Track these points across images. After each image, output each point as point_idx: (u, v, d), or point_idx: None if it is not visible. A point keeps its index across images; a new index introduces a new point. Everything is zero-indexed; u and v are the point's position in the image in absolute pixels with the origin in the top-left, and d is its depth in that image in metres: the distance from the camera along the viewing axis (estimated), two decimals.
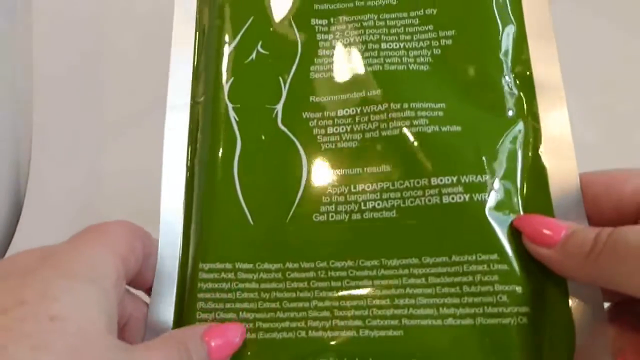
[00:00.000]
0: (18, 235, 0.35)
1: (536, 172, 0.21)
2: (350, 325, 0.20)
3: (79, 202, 0.35)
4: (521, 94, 0.23)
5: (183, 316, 0.21)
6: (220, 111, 0.23)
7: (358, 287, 0.21)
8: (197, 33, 0.25)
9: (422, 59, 0.23)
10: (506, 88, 0.23)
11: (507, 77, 0.23)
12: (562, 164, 0.21)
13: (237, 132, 0.23)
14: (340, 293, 0.21)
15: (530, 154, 0.22)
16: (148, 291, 0.22)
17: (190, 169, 0.23)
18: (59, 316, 0.15)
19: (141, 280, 0.21)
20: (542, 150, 0.22)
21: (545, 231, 0.20)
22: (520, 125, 0.22)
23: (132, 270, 0.20)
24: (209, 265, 0.21)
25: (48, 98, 0.38)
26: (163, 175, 0.23)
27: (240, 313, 0.21)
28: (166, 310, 0.21)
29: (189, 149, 0.23)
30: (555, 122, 0.22)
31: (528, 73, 0.23)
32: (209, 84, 0.24)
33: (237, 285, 0.21)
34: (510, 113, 0.22)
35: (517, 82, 0.23)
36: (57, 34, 0.39)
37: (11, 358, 0.14)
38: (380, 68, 0.23)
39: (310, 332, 0.20)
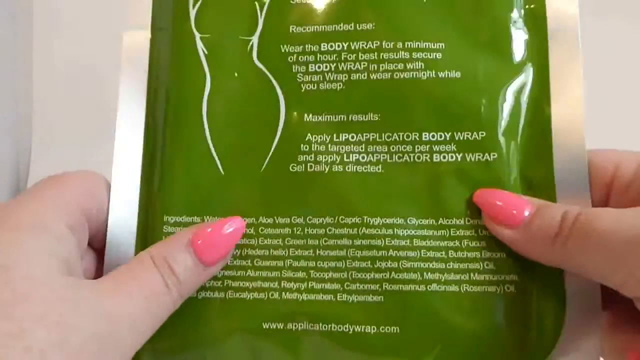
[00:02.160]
0: None
1: (540, 130, 0.19)
2: (327, 289, 0.19)
3: None
4: (531, 35, 0.20)
5: None
6: (187, 41, 0.20)
7: (337, 246, 0.19)
8: None
9: None
10: (515, 26, 0.20)
11: (516, 12, 0.20)
12: (569, 124, 0.19)
13: (207, 68, 0.20)
14: (318, 252, 0.19)
15: (534, 107, 0.19)
16: None
17: (150, 109, 0.20)
18: (3, 265, 0.15)
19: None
20: (549, 105, 0.19)
21: (507, 209, 0.18)
22: (527, 73, 0.20)
23: (95, 218, 0.19)
24: (174, 219, 0.20)
25: (48, 98, 0.38)
26: (118, 115, 0.20)
27: None
28: (123, 261, 0.19)
29: (150, 84, 0.20)
30: (567, 72, 0.19)
31: (542, 10, 0.20)
32: (172, 8, 0.21)
33: None
34: (517, 57, 0.20)
35: (529, 20, 0.20)
36: (57, 34, 0.38)
37: None
38: None
39: (283, 293, 0.19)
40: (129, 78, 0.20)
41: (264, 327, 0.19)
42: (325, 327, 0.19)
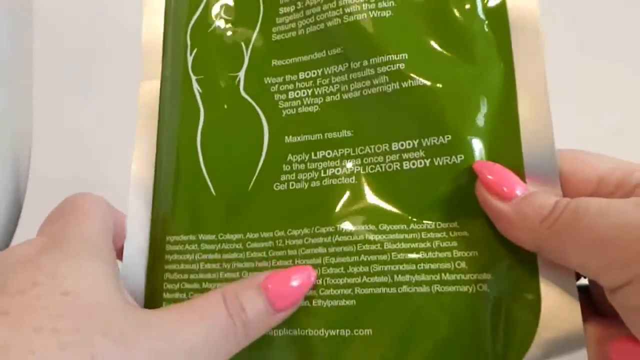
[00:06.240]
0: (18, 235, 0.36)
1: (508, 127, 0.19)
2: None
3: None
4: (493, 34, 0.20)
5: (152, 286, 0.22)
6: (185, 85, 0.23)
7: (313, 255, 0.20)
8: (166, 5, 0.25)
9: (384, 4, 0.21)
10: (476, 28, 0.20)
11: (478, 15, 0.20)
12: (537, 115, 0.19)
13: (201, 104, 0.23)
14: (296, 262, 0.20)
15: (501, 105, 0.19)
16: None
17: (159, 145, 0.23)
18: (71, 291, 0.16)
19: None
20: (515, 99, 0.19)
21: (504, 180, 0.18)
22: (490, 72, 0.20)
23: (119, 239, 0.20)
24: (174, 238, 0.22)
25: (48, 98, 0.39)
26: (134, 152, 0.23)
27: (203, 283, 0.21)
28: (137, 280, 0.22)
29: (159, 124, 0.24)
30: (532, 67, 0.19)
31: (502, 10, 0.20)
32: (175, 58, 0.24)
33: (200, 256, 0.21)
34: (479, 57, 0.20)
35: (490, 20, 0.20)
36: (57, 34, 0.40)
37: (33, 327, 0.14)
38: (340, 21, 0.22)
39: None
40: (143, 123, 0.24)
41: None
42: (302, 332, 0.19)
